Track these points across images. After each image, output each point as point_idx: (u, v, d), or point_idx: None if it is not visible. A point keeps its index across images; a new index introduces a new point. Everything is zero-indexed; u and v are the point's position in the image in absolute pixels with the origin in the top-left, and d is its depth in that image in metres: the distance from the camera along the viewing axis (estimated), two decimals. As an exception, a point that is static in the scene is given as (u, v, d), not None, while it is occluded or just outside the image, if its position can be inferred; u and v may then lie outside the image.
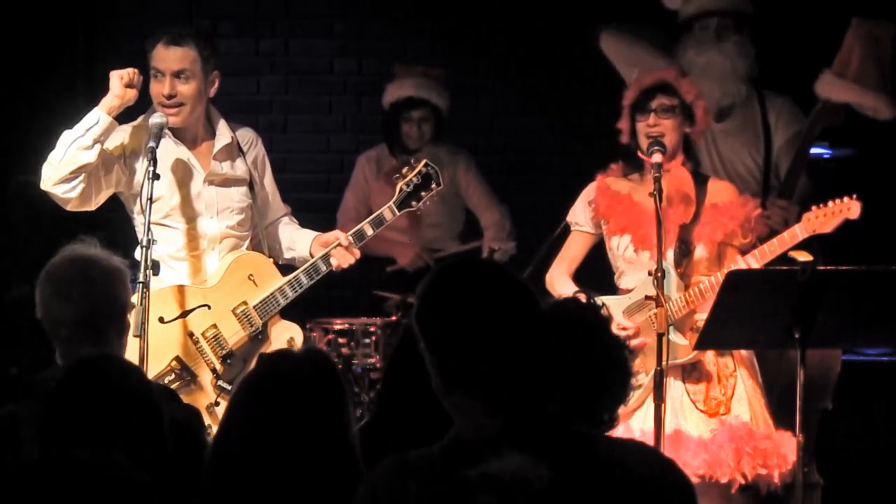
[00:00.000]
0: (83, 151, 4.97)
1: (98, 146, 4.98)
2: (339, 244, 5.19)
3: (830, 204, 5.14)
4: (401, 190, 5.31)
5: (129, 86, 5.02)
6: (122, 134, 5.12)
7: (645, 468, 2.84)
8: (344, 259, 5.19)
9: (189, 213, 5.16)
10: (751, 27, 6.08)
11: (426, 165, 5.33)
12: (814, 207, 5.17)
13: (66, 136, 5.00)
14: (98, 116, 4.99)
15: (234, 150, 5.25)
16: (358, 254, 5.23)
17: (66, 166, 4.98)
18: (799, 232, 5.14)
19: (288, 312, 5.26)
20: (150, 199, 4.89)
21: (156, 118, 5.05)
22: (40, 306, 3.97)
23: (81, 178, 4.99)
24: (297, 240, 5.33)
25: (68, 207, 5.07)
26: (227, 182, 5.22)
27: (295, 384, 3.01)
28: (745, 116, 6.06)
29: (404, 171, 5.35)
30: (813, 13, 6.94)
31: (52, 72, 7.58)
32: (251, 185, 5.26)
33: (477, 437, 2.77)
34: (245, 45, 7.94)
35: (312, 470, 2.96)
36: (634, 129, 5.26)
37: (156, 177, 4.90)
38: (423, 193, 5.32)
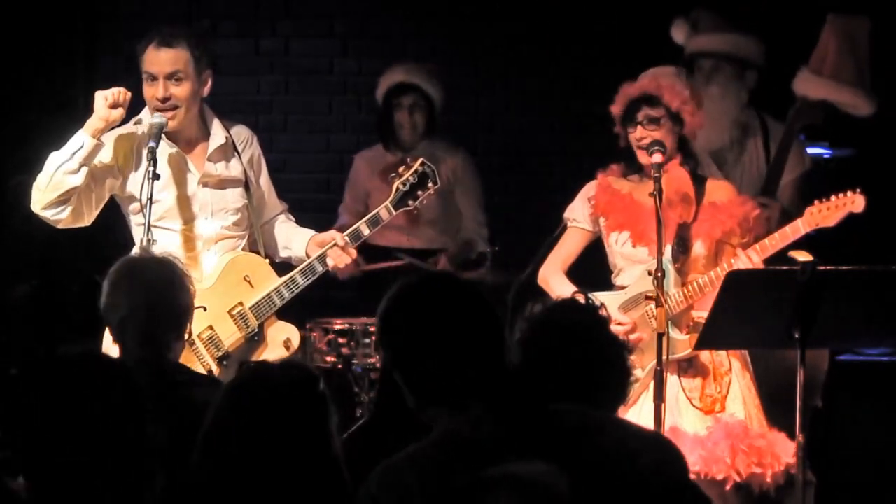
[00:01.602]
0: (70, 175, 4.96)
1: (85, 169, 4.96)
2: (336, 244, 5.18)
3: (833, 198, 5.12)
4: (397, 189, 5.29)
5: (114, 106, 4.96)
6: (113, 141, 5.10)
7: (632, 442, 2.84)
8: (340, 259, 5.17)
9: (184, 216, 5.14)
10: (759, 73, 6.05)
11: (423, 164, 5.31)
12: (816, 202, 5.16)
13: (53, 160, 4.98)
14: (83, 140, 4.96)
15: (228, 151, 5.23)
16: (354, 254, 5.21)
17: (54, 191, 4.98)
18: (801, 226, 5.13)
19: (288, 312, 5.26)
20: (151, 199, 4.89)
21: (156, 118, 5.05)
22: (109, 299, 4.09)
23: (70, 200, 4.99)
24: (294, 239, 5.32)
25: (60, 226, 5.08)
26: (221, 183, 5.21)
27: (273, 397, 2.99)
28: (742, 159, 6.04)
29: (401, 170, 5.33)
30: (789, 10, 6.94)
31: (52, 71, 7.58)
32: (247, 185, 5.25)
33: (468, 432, 2.77)
34: (245, 45, 7.93)
35: (292, 482, 2.95)
36: (626, 135, 5.27)
37: (156, 177, 4.90)
38: (419, 192, 5.29)
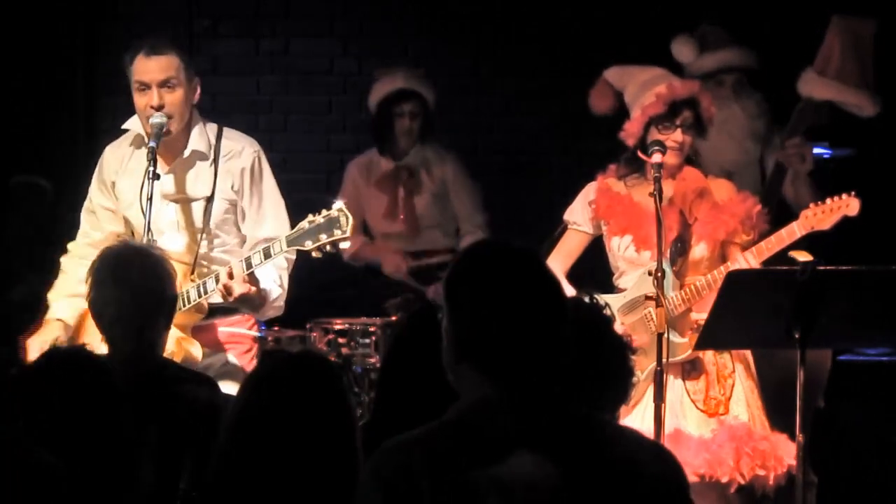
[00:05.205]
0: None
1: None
2: (228, 270, 4.82)
3: (829, 201, 5.13)
4: (300, 227, 4.81)
5: None
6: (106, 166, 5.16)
7: (639, 454, 2.84)
8: (229, 285, 4.79)
9: (152, 227, 4.91)
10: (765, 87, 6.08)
11: (340, 211, 4.78)
12: (812, 205, 5.17)
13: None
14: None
15: (200, 165, 5.08)
16: (245, 284, 4.80)
17: None
18: (797, 229, 5.13)
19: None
20: (151, 199, 4.86)
21: (156, 118, 5.02)
22: (94, 291, 4.06)
23: None
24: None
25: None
26: (183, 199, 5.07)
27: (302, 384, 3.02)
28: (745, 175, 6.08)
29: (317, 213, 4.80)
30: (794, 12, 6.95)
31: (52, 72, 7.58)
32: (211, 199, 5.07)
33: (476, 412, 2.77)
34: (245, 45, 7.94)
35: (318, 473, 2.97)
36: (646, 136, 5.21)
37: (156, 176, 4.88)
38: (321, 236, 4.75)
